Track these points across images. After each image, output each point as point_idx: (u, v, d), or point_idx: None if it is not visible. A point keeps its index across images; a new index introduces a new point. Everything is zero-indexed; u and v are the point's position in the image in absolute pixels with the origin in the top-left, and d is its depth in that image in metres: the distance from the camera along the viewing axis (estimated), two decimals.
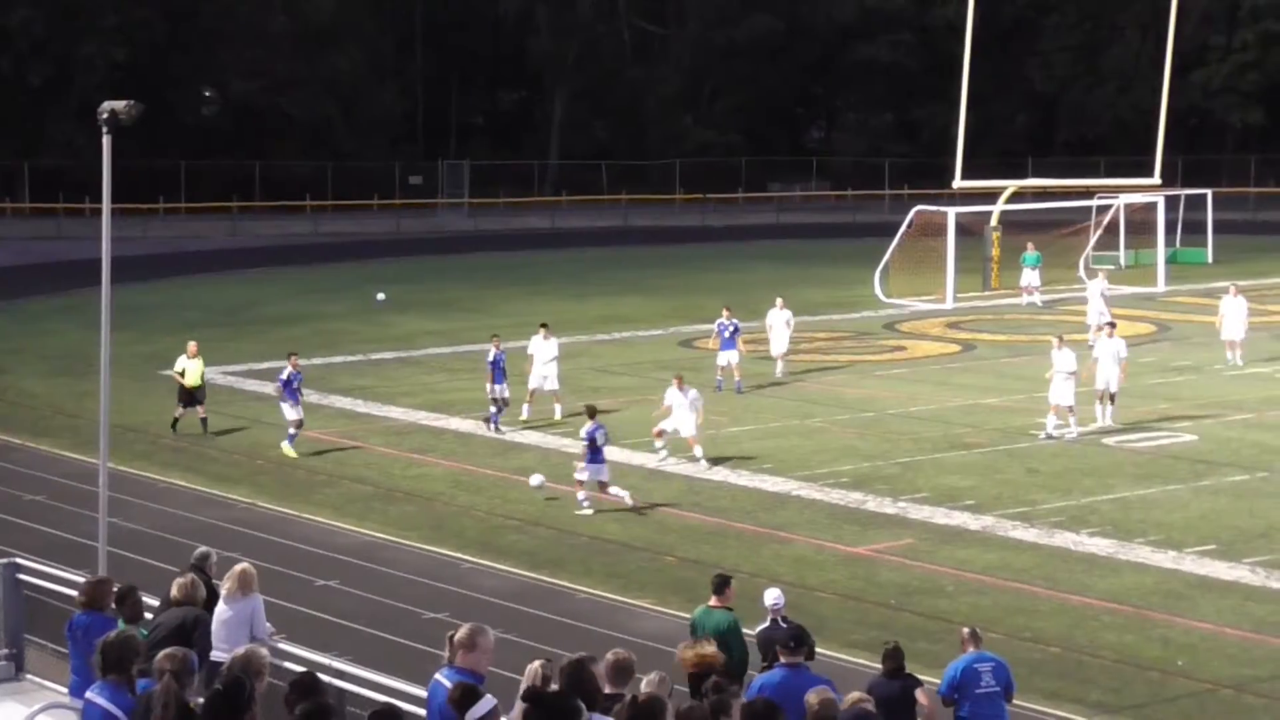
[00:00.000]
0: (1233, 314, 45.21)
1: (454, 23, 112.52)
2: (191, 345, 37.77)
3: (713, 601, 18.76)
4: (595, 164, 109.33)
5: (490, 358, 37.70)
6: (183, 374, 37.24)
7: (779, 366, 43.60)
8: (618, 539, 28.78)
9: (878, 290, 60.83)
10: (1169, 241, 70.26)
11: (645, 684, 13.85)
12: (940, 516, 29.81)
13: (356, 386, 43.73)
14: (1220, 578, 26.00)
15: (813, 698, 13.40)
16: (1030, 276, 60.17)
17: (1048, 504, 30.51)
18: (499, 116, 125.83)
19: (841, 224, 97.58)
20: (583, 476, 30.56)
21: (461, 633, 13.26)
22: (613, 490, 30.51)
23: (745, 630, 18.97)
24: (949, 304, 59.06)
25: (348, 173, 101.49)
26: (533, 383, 38.67)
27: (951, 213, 60.56)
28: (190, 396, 37.20)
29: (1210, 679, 21.65)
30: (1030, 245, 60.73)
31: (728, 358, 41.79)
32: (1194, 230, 75.53)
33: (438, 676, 13.21)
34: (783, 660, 16.09)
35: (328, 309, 59.65)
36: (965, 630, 18.03)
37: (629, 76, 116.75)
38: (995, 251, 64.87)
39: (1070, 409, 35.84)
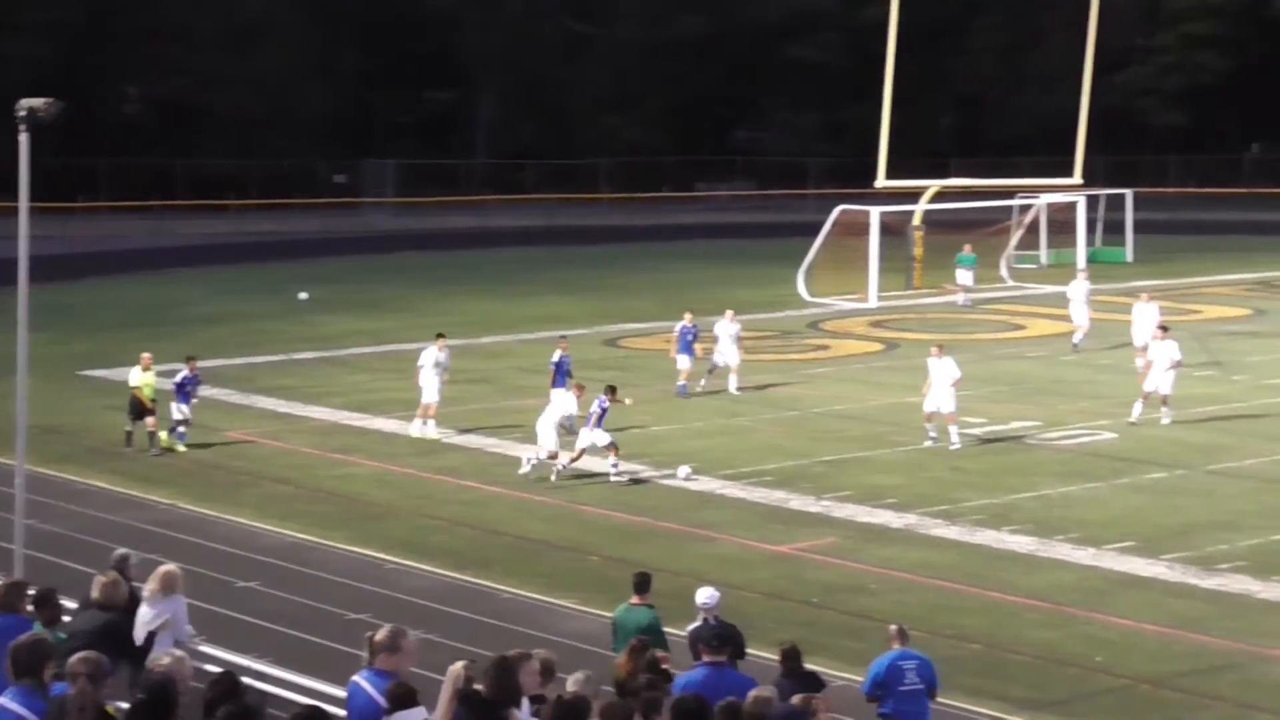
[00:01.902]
0: (1144, 320, 45.06)
1: (382, 21, 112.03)
2: (145, 357, 36.41)
3: (634, 600, 18.77)
4: (522, 163, 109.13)
5: (555, 359, 38.10)
6: (139, 388, 35.94)
7: (731, 381, 42.22)
8: (543, 539, 28.76)
9: (802, 289, 60.99)
10: (1090, 241, 70.72)
11: (571, 683, 13.88)
12: (864, 515, 29.91)
13: (280, 386, 43.54)
14: (1140, 574, 26.19)
15: (752, 694, 13.48)
16: (965, 277, 60.39)
17: (970, 502, 30.66)
18: (426, 115, 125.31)
19: (767, 223, 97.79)
20: (601, 441, 32.55)
21: (382, 634, 13.24)
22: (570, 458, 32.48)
23: (675, 630, 19.00)
24: (872, 303, 59.27)
25: (272, 171, 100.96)
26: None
27: (875, 212, 60.75)
28: (142, 409, 36.10)
29: (1130, 675, 21.81)
30: (967, 247, 61.00)
31: (685, 361, 41.34)
32: (1114, 230, 76.10)
33: (357, 679, 13.18)
34: (705, 659, 16.11)
35: (252, 308, 59.39)
36: (893, 628, 18.08)
37: (556, 76, 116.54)
38: (918, 251, 65.14)
39: (951, 415, 35.53)
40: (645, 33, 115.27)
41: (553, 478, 32.61)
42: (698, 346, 41.70)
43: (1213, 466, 33.43)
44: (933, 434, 35.29)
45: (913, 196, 67.24)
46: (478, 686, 12.77)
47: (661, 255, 79.42)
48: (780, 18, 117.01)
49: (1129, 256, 75.09)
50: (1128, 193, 77.62)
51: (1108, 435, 36.43)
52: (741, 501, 31.08)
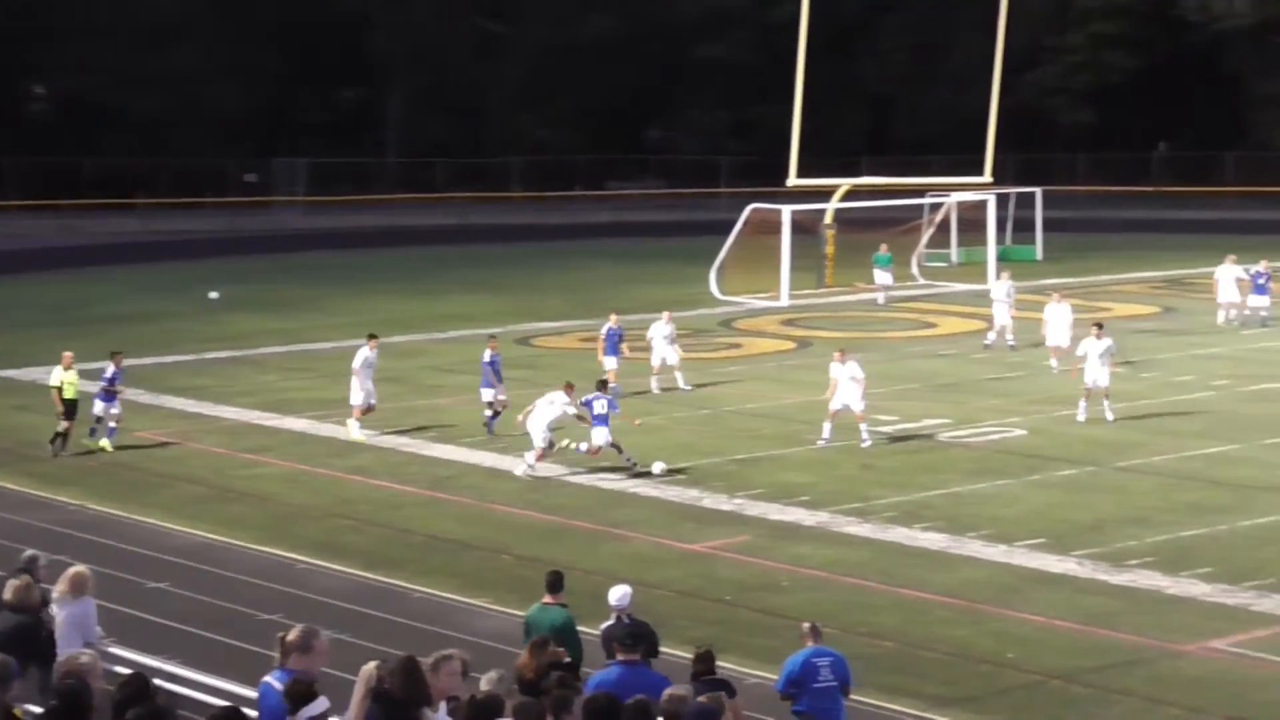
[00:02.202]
0: (1056, 320, 45.29)
1: (290, 19, 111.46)
2: (66, 356, 35.94)
3: (546, 599, 18.74)
4: (433, 162, 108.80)
5: (486, 359, 36.99)
6: (60, 388, 35.38)
7: (679, 379, 42.17)
8: (455, 538, 28.70)
9: (714, 288, 61.08)
10: (1000, 239, 71.13)
11: (485, 682, 13.85)
12: (776, 513, 29.97)
13: (191, 386, 43.28)
14: (1050, 570, 26.35)
15: (667, 692, 13.48)
16: (883, 277, 60.61)
17: (883, 499, 30.77)
18: (336, 114, 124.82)
19: (678, 222, 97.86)
20: (599, 440, 33.05)
21: (294, 634, 13.17)
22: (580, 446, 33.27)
23: (588, 628, 18.98)
24: (784, 301, 59.41)
25: (182, 170, 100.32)
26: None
27: (786, 211, 60.90)
28: (70, 409, 35.59)
29: (1041, 670, 21.93)
30: (884, 247, 61.29)
31: (612, 362, 41.03)
32: (1024, 228, 76.59)
33: (268, 679, 13.11)
34: (619, 658, 16.10)
35: (162, 308, 59.03)
36: (805, 625, 18.11)
37: (468, 74, 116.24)
38: (830, 249, 65.36)
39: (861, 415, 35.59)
40: (556, 31, 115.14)
41: (519, 471, 32.86)
42: (624, 346, 41.48)
43: (1122, 463, 33.67)
44: (826, 434, 35.30)
45: (824, 195, 67.45)
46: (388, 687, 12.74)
47: (573, 254, 79.40)
48: (691, 17, 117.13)
49: (1039, 255, 75.56)
50: (1037, 191, 78.18)
51: (1019, 432, 36.64)
52: (654, 500, 31.10)
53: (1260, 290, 52.84)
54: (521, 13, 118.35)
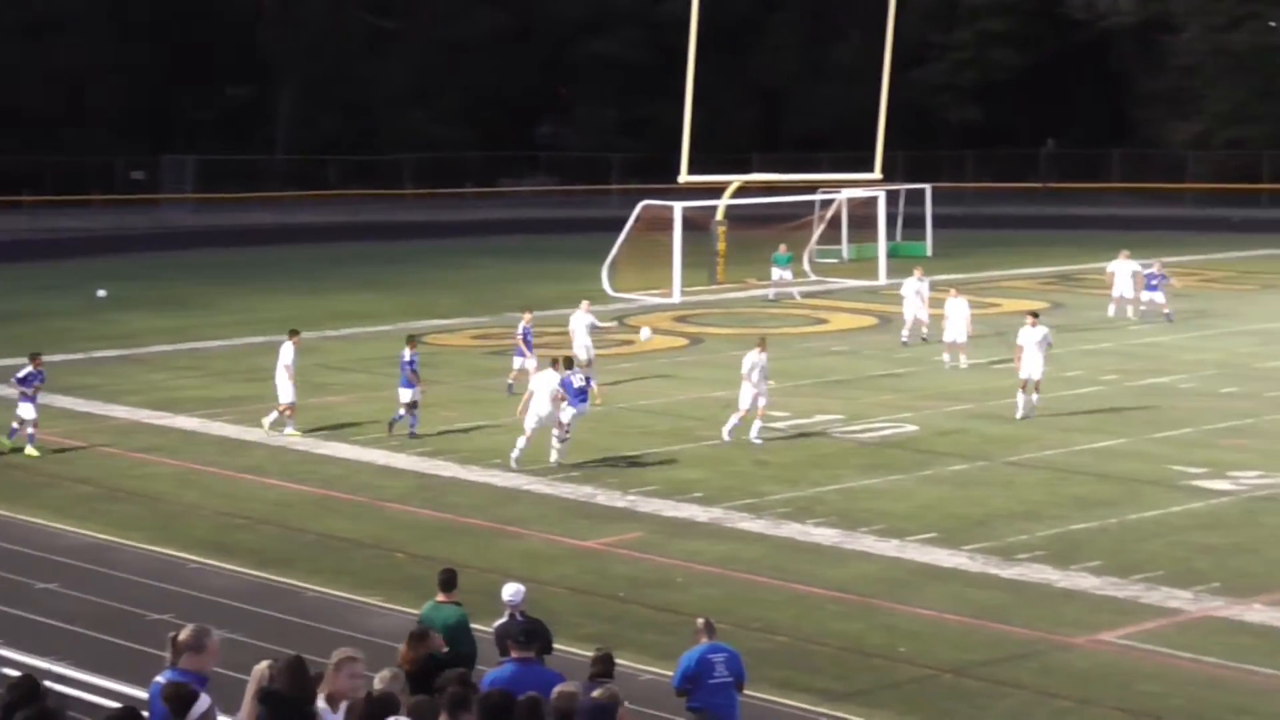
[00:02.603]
0: (955, 316, 45.58)
1: (178, 14, 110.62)
2: None
3: (440, 597, 18.70)
4: (324, 159, 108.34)
5: (405, 358, 36.29)
6: None
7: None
8: (347, 536, 28.57)
9: (606, 285, 61.08)
10: (890, 235, 71.52)
11: (378, 680, 13.80)
12: (670, 509, 30.02)
13: (79, 385, 42.87)
14: (942, 565, 26.52)
15: (558, 689, 13.48)
16: (781, 276, 60.95)
17: (776, 495, 30.88)
18: (225, 110, 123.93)
19: (570, 219, 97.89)
20: (565, 417, 33.15)
21: (185, 634, 13.07)
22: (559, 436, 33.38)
23: (482, 626, 18.95)
24: (676, 298, 59.50)
25: (69, 168, 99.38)
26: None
27: (678, 207, 60.95)
28: None
29: (932, 664, 22.07)
30: (783, 246, 61.58)
31: (523, 363, 40.61)
32: (914, 224, 77.01)
33: (159, 679, 13.02)
34: (514, 655, 16.09)
35: (48, 306, 58.47)
36: (700, 621, 18.11)
37: (358, 70, 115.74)
38: (721, 246, 65.48)
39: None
40: (446, 28, 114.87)
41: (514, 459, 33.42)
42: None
43: (1012, 458, 33.94)
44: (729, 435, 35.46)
45: (716, 192, 67.57)
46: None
47: (465, 251, 79.22)
48: (580, 13, 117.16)
49: (929, 251, 76.01)
50: (927, 188, 78.67)
51: (910, 427, 36.85)
52: (547, 497, 31.09)
53: (1152, 288, 53.51)
54: (411, 8, 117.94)
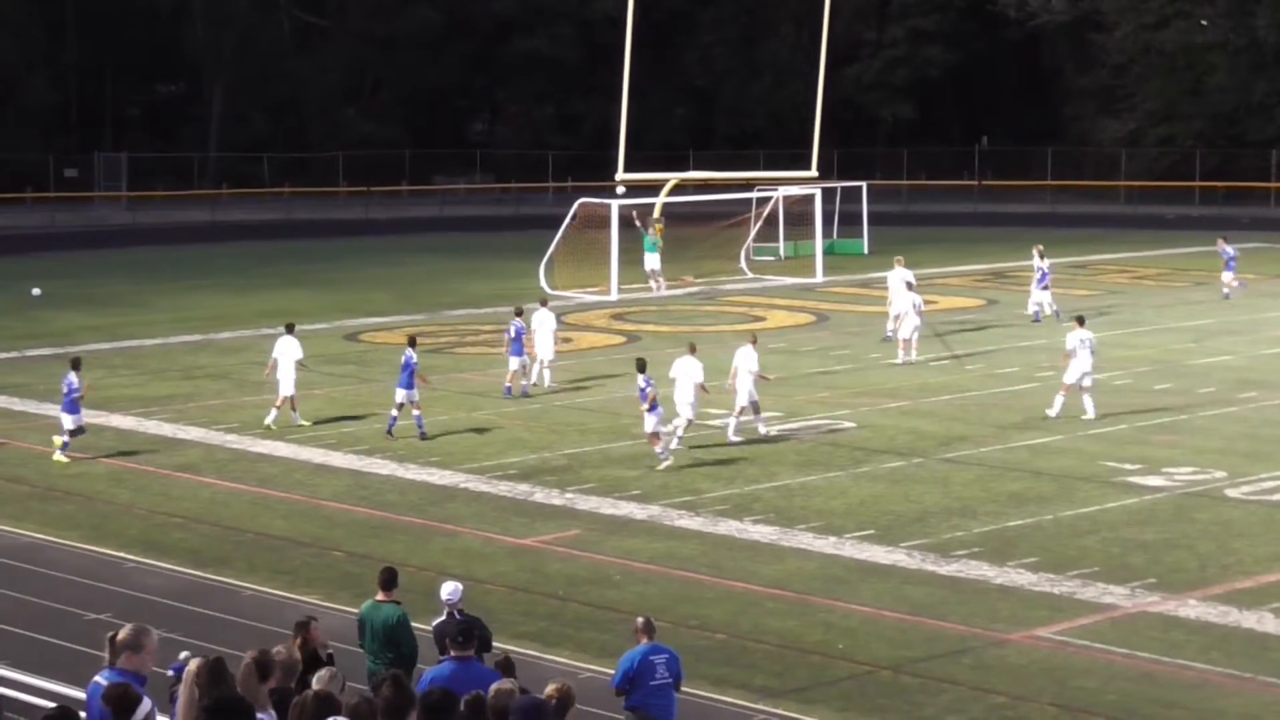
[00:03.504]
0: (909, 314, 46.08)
1: (107, 12, 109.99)
2: None
3: (380, 596, 18.68)
4: (256, 156, 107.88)
5: (412, 359, 35.81)
6: None
7: (546, 375, 41.59)
8: (283, 535, 28.50)
9: (543, 283, 61.02)
10: (827, 233, 71.68)
11: (316, 681, 13.77)
12: (607, 507, 30.04)
13: (11, 384, 42.61)
14: (879, 562, 26.62)
15: (494, 686, 13.48)
16: (651, 261, 61.33)
17: (712, 493, 30.93)
18: (156, 108, 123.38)
19: (506, 217, 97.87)
20: (649, 428, 32.51)
21: (124, 633, 13.02)
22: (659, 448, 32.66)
23: (421, 624, 18.95)
24: (613, 296, 59.50)
25: (0, 165, 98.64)
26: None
27: (614, 205, 61.00)
28: None
29: (869, 661, 22.16)
30: (652, 231, 61.98)
31: (520, 362, 40.21)
32: (850, 222, 77.14)
33: (97, 679, 12.96)
34: (453, 654, 16.09)
35: None
36: (639, 620, 18.11)
37: (289, 68, 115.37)
38: (659, 243, 65.45)
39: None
40: (376, 24, 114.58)
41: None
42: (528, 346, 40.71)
43: (947, 454, 34.06)
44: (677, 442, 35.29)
45: (651, 189, 67.59)
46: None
47: (400, 249, 78.99)
48: (510, 10, 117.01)
49: (865, 249, 76.18)
50: (862, 185, 78.84)
51: (846, 425, 36.95)
52: (484, 495, 31.07)
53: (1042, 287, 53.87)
54: (341, 5, 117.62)
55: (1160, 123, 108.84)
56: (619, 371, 41.91)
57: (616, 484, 31.56)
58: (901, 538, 27.83)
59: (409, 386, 35.53)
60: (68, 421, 33.94)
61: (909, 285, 47.84)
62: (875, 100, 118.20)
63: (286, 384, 36.84)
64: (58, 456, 33.81)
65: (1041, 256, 53.47)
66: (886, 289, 50.58)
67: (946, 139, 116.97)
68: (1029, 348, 47.49)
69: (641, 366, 33.51)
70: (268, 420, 36.64)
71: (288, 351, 37.03)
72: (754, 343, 36.44)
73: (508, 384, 40.37)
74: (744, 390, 35.50)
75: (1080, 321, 38.96)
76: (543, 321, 41.86)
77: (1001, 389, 41.15)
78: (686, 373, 34.37)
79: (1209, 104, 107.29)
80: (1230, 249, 59.02)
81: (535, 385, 40.95)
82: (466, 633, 16.28)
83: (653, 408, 32.66)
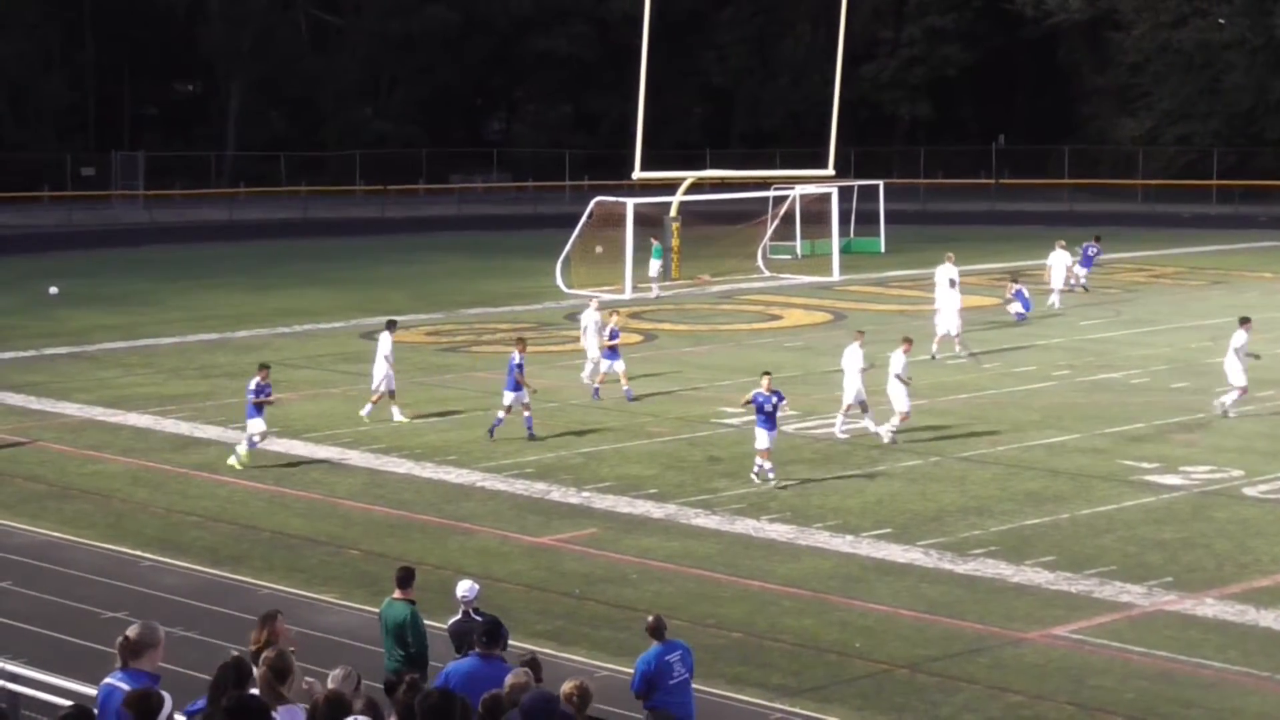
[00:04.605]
0: (947, 307, 46.49)
1: (124, 11, 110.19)
2: None
3: (396, 594, 18.69)
4: (273, 155, 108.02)
5: (515, 361, 35.53)
6: None
7: (589, 370, 41.57)
8: (300, 533, 28.50)
9: (560, 281, 61.05)
10: (843, 232, 71.61)
11: (330, 680, 13.78)
12: (624, 506, 30.01)
13: (28, 383, 42.67)
14: (895, 560, 26.57)
15: (508, 679, 13.49)
16: (655, 267, 61.52)
17: (729, 491, 30.89)
18: (173, 107, 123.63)
19: (523, 215, 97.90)
20: (763, 444, 31.30)
21: (134, 633, 13.00)
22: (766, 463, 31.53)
23: (437, 623, 18.94)
24: (628, 294, 59.48)
25: (15, 164, 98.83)
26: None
27: (630, 204, 60.99)
28: None
29: (886, 659, 22.12)
30: (653, 239, 62.23)
31: (608, 365, 39.91)
32: (867, 221, 77.09)
33: (110, 680, 12.94)
34: (478, 653, 16.07)
35: None
36: (650, 620, 18.05)
37: (305, 67, 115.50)
38: (675, 242, 65.51)
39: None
40: (393, 23, 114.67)
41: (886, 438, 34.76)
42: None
43: (965, 453, 33.99)
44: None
45: (667, 188, 67.61)
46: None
47: (417, 248, 79.04)
48: (528, 9, 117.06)
49: (882, 247, 76.13)
50: (879, 183, 78.78)
51: (863, 423, 36.86)
52: (501, 494, 31.05)
53: (1088, 262, 56.36)
54: (358, 3, 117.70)
55: (1177, 121, 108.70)
56: (636, 372, 41.79)
57: (633, 482, 31.54)
58: (918, 536, 27.78)
59: (517, 389, 35.32)
60: (253, 425, 33.30)
61: (951, 283, 48.00)
62: (892, 99, 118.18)
63: (381, 379, 36.89)
64: (237, 458, 33.21)
65: (1097, 239, 57.64)
66: (933, 285, 50.74)
67: (963, 138, 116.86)
68: (1046, 347, 47.42)
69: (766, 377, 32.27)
70: (363, 413, 36.94)
71: (381, 348, 37.10)
72: (860, 340, 36.31)
73: (597, 384, 40.17)
74: (851, 389, 35.46)
75: (1244, 322, 38.70)
76: (592, 321, 41.76)
77: (1018, 388, 41.08)
78: (851, 363, 35.33)
79: (1226, 103, 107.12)
80: (1095, 248, 60.95)
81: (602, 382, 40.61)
82: (492, 633, 16.25)
83: (770, 424, 31.40)
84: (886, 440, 34.77)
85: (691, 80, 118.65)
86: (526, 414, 35.40)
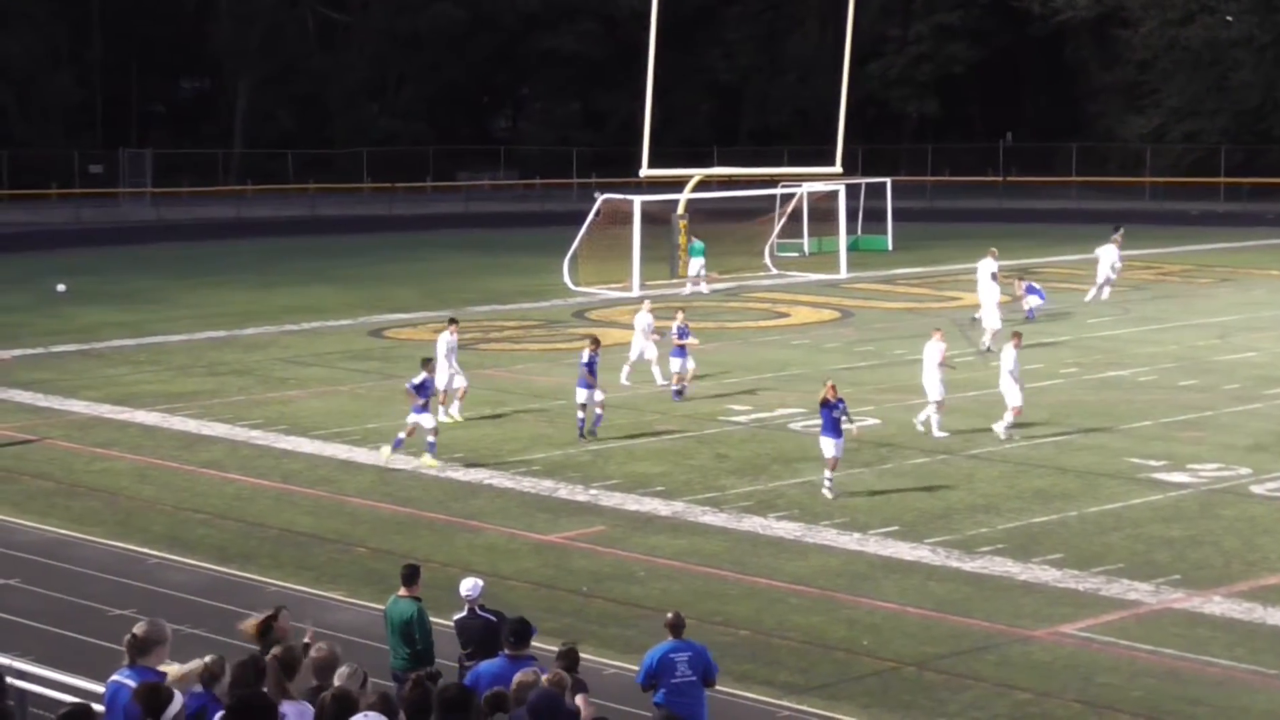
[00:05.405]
0: (989, 301, 47.00)
1: (132, 8, 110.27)
2: None
3: (401, 592, 18.70)
4: (281, 152, 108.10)
5: (584, 359, 35.29)
6: None
7: (655, 373, 41.31)
8: (308, 531, 28.51)
9: (567, 279, 61.06)
10: (851, 229, 71.57)
11: (337, 677, 13.78)
12: (631, 503, 30.01)
13: (36, 380, 42.70)
14: (903, 558, 26.56)
15: (516, 678, 13.55)
16: (695, 265, 61.36)
17: (736, 489, 30.89)
18: (181, 104, 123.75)
19: (530, 213, 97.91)
20: (830, 453, 30.52)
21: (141, 630, 13.00)
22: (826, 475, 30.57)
23: (443, 620, 18.95)
24: (635, 291, 59.44)
25: (23, 161, 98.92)
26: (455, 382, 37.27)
27: (637, 201, 61.00)
28: None
29: (894, 657, 22.11)
30: (692, 238, 62.08)
31: (679, 363, 39.70)
32: (874, 218, 77.08)
33: (117, 677, 12.95)
34: (506, 653, 16.09)
35: (4, 301, 58.19)
36: (668, 616, 18.03)
37: (313, 64, 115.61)
38: (682, 240, 65.48)
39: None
40: (400, 20, 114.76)
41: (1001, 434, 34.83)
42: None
43: (973, 451, 33.99)
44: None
45: (675, 185, 67.61)
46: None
47: (424, 245, 79.09)
48: (535, 6, 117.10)
49: (890, 245, 76.11)
50: (887, 181, 78.73)
51: (871, 421, 36.83)
52: (508, 491, 31.05)
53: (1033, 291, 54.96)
54: (365, 1, 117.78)
55: (1185, 119, 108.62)
56: (643, 369, 41.78)
57: (641, 480, 31.54)
58: (926, 534, 27.77)
59: (589, 386, 35.20)
60: (426, 421, 33.05)
61: (993, 276, 48.27)
62: (900, 96, 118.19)
63: (444, 377, 36.54)
64: (427, 460, 32.89)
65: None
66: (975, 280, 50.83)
67: (971, 135, 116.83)
68: (1054, 344, 47.39)
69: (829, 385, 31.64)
70: (451, 411, 36.86)
71: (440, 347, 37.02)
72: (940, 336, 36.31)
73: (675, 385, 39.93)
74: (934, 386, 35.55)
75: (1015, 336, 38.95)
76: (645, 323, 41.68)
77: (1026, 385, 40.98)
78: (931, 356, 35.67)
79: (1234, 100, 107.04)
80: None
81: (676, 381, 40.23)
82: (519, 633, 16.24)
83: (836, 433, 30.59)
84: (1003, 438, 34.83)
85: (699, 77, 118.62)
86: (599, 412, 35.31)
